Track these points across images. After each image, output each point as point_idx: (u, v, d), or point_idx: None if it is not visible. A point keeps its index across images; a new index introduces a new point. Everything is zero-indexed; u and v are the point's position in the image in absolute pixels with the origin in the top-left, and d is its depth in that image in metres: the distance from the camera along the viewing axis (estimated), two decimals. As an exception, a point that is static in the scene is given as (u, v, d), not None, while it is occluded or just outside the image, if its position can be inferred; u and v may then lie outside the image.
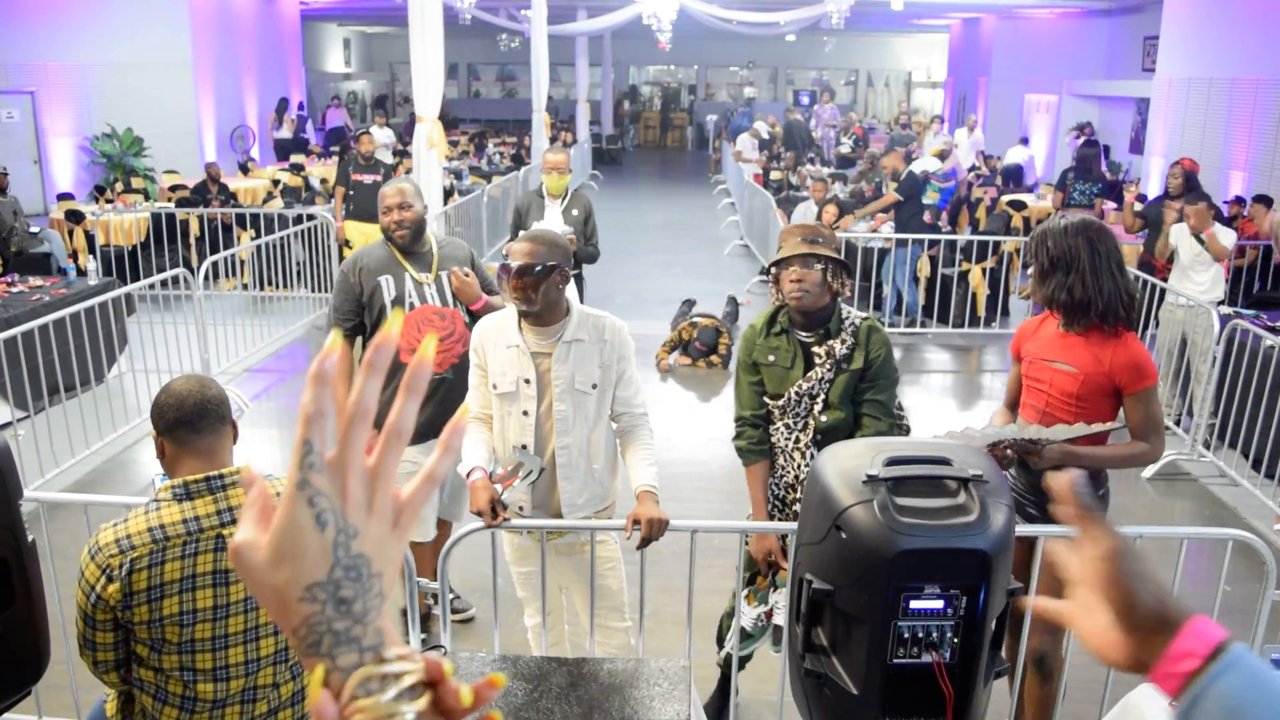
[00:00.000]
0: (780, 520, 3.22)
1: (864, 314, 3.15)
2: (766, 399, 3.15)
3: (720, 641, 3.55)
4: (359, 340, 3.88)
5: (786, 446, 3.14)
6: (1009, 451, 2.94)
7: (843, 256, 3.20)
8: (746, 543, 3.20)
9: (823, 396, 3.05)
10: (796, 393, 3.07)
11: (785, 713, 3.20)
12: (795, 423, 3.10)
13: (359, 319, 3.81)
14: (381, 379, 0.67)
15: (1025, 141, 17.01)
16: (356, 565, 0.66)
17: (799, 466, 3.13)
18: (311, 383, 0.66)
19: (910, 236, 8.58)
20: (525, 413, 3.00)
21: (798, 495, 3.20)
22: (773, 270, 3.14)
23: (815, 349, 3.07)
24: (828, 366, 3.04)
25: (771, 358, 3.12)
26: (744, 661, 3.45)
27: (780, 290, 3.08)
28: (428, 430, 3.49)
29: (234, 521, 2.11)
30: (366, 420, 0.67)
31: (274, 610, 0.66)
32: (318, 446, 0.66)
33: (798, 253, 3.01)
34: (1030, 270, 3.10)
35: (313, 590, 0.65)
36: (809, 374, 3.06)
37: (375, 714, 0.63)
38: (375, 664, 0.65)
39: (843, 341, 3.04)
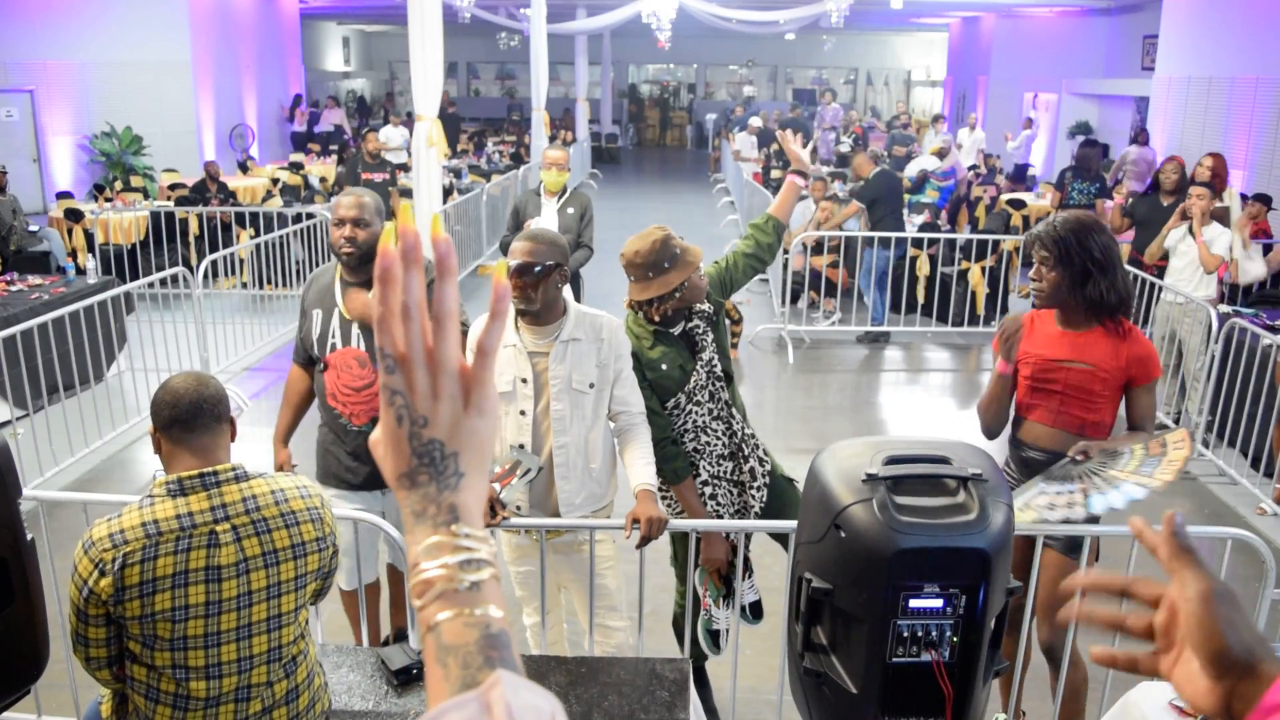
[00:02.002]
0: (738, 497, 3.27)
1: None
2: (665, 400, 3.19)
3: (681, 642, 3.56)
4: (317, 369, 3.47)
5: (706, 422, 3.21)
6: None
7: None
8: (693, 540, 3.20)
9: (716, 356, 3.22)
10: (703, 369, 3.18)
11: (785, 712, 3.20)
12: (705, 395, 3.19)
13: (306, 351, 3.50)
14: (419, 272, 0.72)
15: (1030, 123, 17.03)
16: (429, 451, 0.73)
17: (723, 433, 3.23)
18: (378, 283, 0.71)
19: (876, 235, 8.42)
20: (522, 412, 2.99)
21: (739, 463, 3.24)
22: (685, 285, 3.12)
23: (689, 326, 3.21)
24: (706, 331, 3.21)
25: (664, 366, 3.16)
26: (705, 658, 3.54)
27: (685, 298, 3.15)
28: (367, 480, 3.37)
29: (227, 518, 2.12)
30: (416, 314, 0.72)
31: (397, 498, 0.74)
32: (390, 349, 0.72)
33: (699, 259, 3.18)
34: (1050, 272, 2.98)
35: (400, 479, 0.73)
36: (701, 348, 3.19)
37: (434, 576, 0.70)
38: (445, 536, 0.71)
39: (700, 303, 3.24)
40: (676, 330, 3.21)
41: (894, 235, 8.47)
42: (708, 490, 3.23)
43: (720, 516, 3.25)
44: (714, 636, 3.35)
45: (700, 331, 3.20)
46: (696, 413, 3.19)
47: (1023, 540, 3.04)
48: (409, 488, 0.73)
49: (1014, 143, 16.36)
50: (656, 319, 3.17)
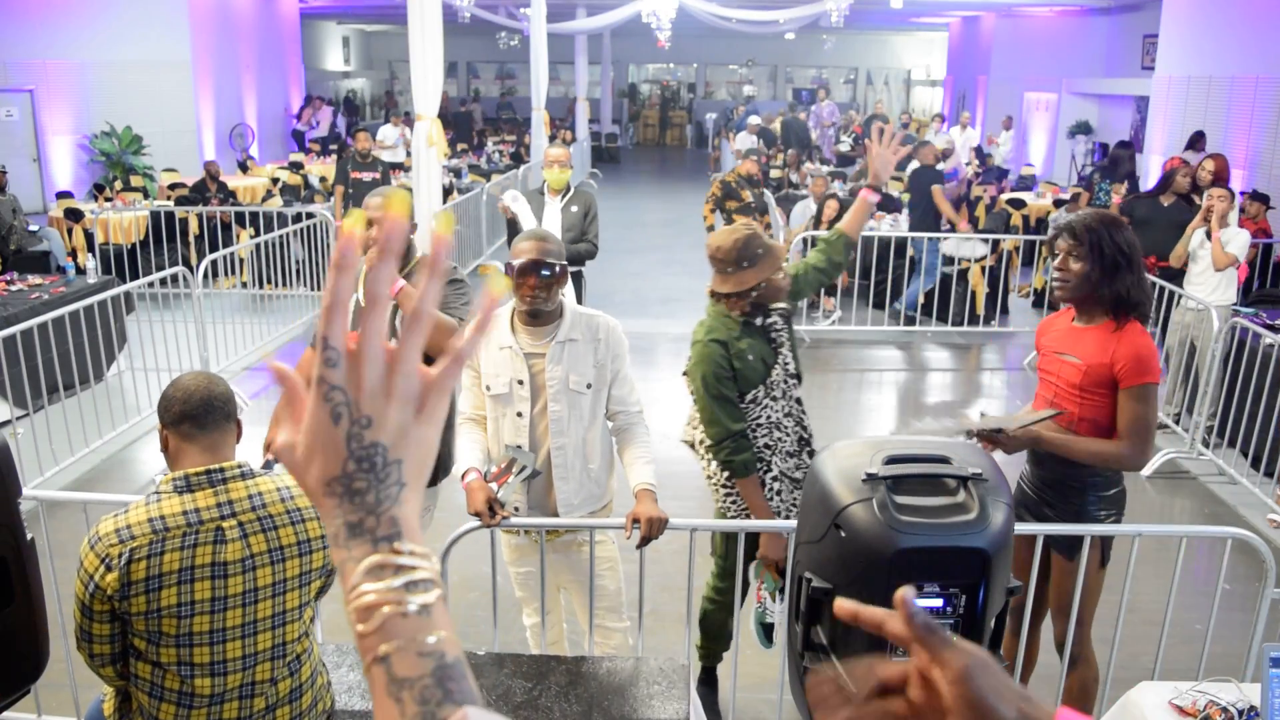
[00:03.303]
0: (791, 493, 3.28)
1: None
2: (745, 394, 3.19)
3: (715, 638, 3.54)
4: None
5: (779, 419, 3.21)
6: (977, 441, 2.91)
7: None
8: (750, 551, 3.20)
9: (790, 354, 3.24)
10: (782, 365, 3.20)
11: (785, 711, 3.20)
12: (780, 391, 3.20)
13: None
14: (392, 263, 0.68)
15: (1010, 121, 17.05)
16: (370, 455, 0.65)
17: (793, 430, 3.24)
18: (332, 271, 0.66)
19: (910, 235, 8.52)
20: (519, 414, 2.99)
21: (801, 461, 3.24)
22: (762, 285, 3.13)
23: (768, 322, 3.22)
24: (784, 330, 3.23)
25: (750, 356, 3.17)
26: (720, 652, 3.54)
27: (763, 297, 3.15)
28: None
29: (234, 515, 2.13)
30: (379, 307, 0.67)
31: (318, 509, 0.67)
32: (335, 341, 0.66)
33: (781, 256, 3.17)
34: (1078, 263, 2.93)
35: (331, 485, 0.65)
36: (779, 344, 3.21)
37: (380, 599, 0.63)
38: (388, 554, 0.64)
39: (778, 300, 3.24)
40: (758, 323, 3.23)
41: (892, 235, 8.49)
42: (775, 487, 3.21)
43: (780, 513, 3.24)
44: (768, 630, 3.36)
45: (778, 328, 3.23)
46: (773, 408, 3.20)
47: (1023, 540, 3.04)
48: (340, 495, 0.65)
49: (1002, 145, 16.37)
50: (736, 314, 3.19)
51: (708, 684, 3.59)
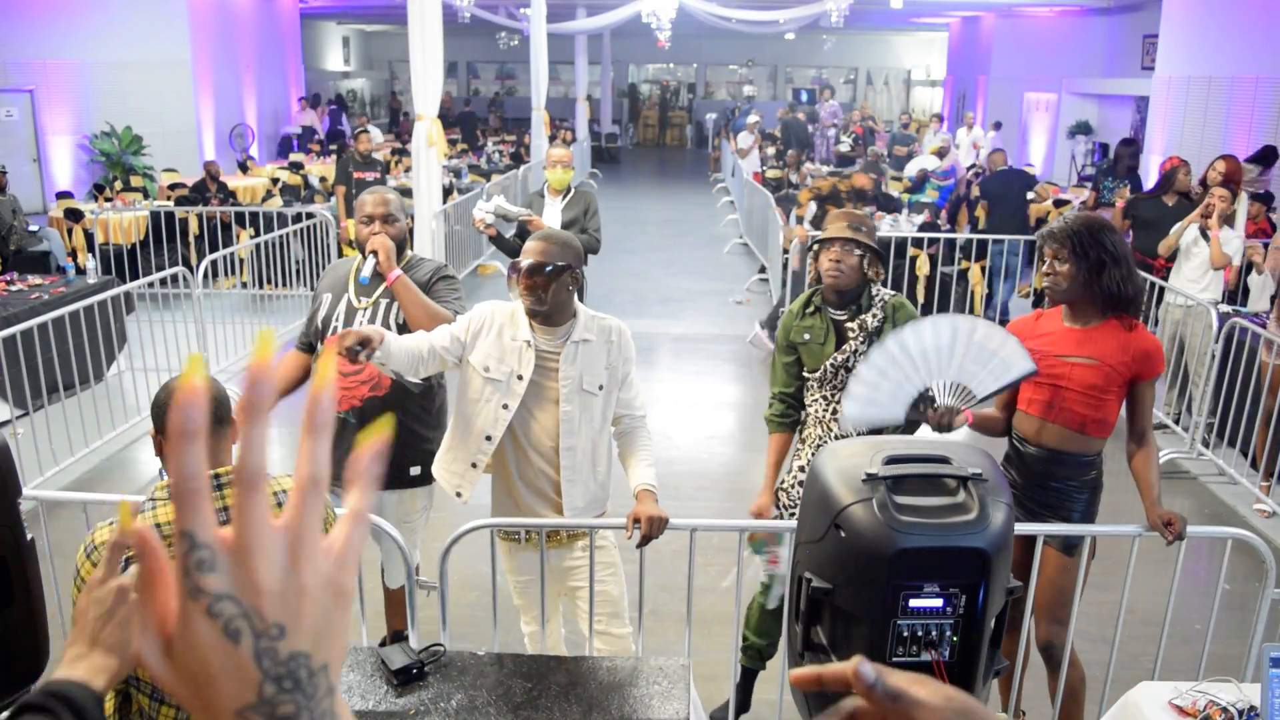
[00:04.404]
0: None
1: (892, 292, 3.34)
2: (806, 374, 3.33)
3: (758, 634, 3.55)
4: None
5: (824, 417, 3.29)
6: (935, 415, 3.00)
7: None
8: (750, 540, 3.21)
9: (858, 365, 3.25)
10: (832, 365, 3.24)
11: (785, 712, 3.20)
12: (832, 394, 3.26)
13: (309, 336, 3.55)
14: (266, 428, 0.55)
15: (998, 126, 17.00)
16: (292, 671, 0.53)
17: (835, 436, 3.27)
18: (178, 442, 0.53)
19: (970, 236, 8.55)
20: (505, 406, 2.94)
21: None
22: (815, 248, 3.29)
23: (848, 324, 3.26)
24: (860, 339, 3.23)
25: (806, 336, 3.28)
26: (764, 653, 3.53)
27: (818, 267, 3.27)
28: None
29: (228, 521, 2.10)
30: (259, 485, 0.55)
31: None
32: (203, 535, 0.54)
33: (842, 235, 3.22)
34: (1064, 265, 3.01)
35: (244, 714, 0.52)
36: (842, 347, 3.25)
37: None
38: None
39: (874, 316, 3.25)
40: (839, 316, 3.29)
41: (892, 235, 8.48)
42: (803, 477, 3.19)
43: (785, 507, 3.33)
44: (766, 589, 3.43)
45: (853, 334, 3.25)
46: (820, 406, 3.29)
47: (1022, 540, 3.04)
48: None
49: (981, 147, 16.36)
50: (813, 263, 3.35)
51: (744, 689, 3.50)
